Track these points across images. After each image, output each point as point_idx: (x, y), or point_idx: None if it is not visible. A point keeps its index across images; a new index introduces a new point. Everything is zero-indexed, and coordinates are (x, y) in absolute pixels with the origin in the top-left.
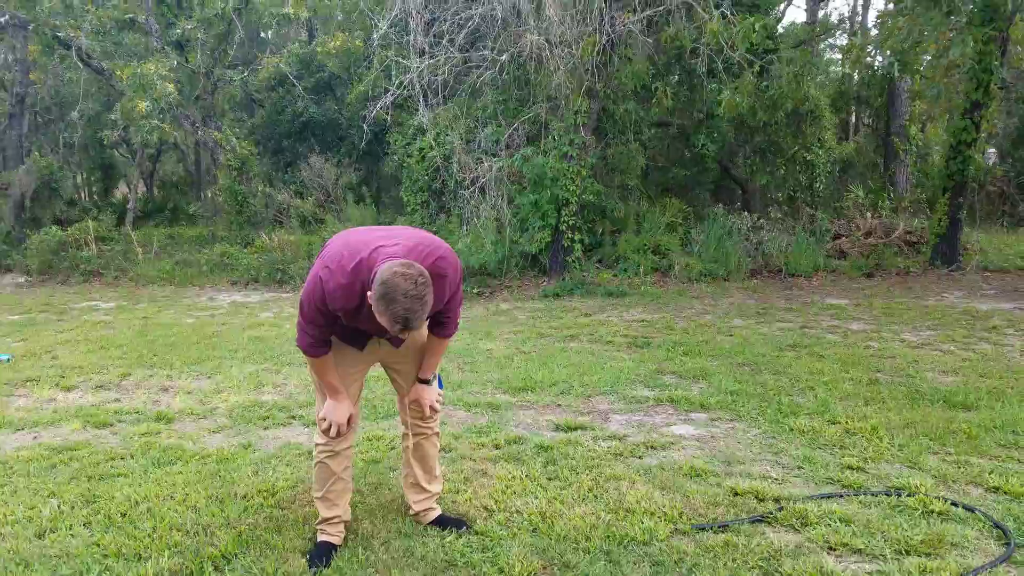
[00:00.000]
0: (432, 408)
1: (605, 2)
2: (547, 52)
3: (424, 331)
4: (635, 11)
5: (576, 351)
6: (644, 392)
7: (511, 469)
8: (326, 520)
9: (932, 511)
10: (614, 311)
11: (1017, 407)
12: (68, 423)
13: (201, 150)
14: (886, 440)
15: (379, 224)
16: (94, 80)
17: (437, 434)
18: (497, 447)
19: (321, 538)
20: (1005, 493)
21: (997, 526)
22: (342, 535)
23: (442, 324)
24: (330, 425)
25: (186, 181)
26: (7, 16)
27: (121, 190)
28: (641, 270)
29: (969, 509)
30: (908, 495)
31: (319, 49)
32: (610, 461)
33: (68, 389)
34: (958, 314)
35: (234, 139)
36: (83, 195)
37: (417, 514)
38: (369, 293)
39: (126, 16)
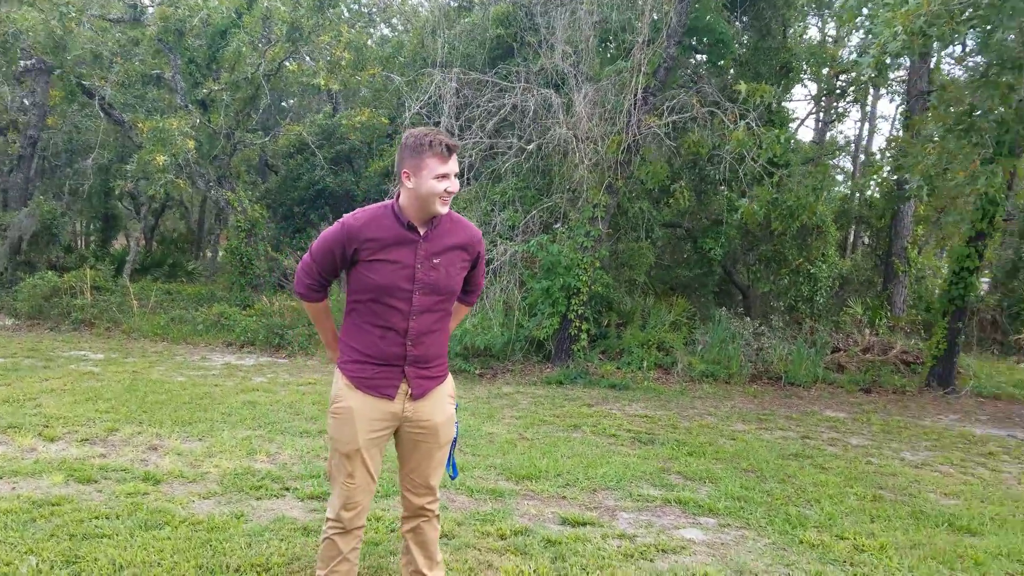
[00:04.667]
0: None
1: (633, 104)
2: (574, 146)
3: (443, 423)
4: (661, 115)
5: (580, 442)
6: (651, 491)
7: (518, 563)
8: None
9: None
10: (617, 404)
11: (1022, 536)
12: (50, 475)
13: (207, 209)
14: (895, 560)
15: None
16: (112, 130)
17: (437, 516)
18: (503, 537)
19: None
20: None
21: None
22: None
23: (470, 292)
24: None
25: (186, 238)
26: (34, 60)
27: (120, 241)
28: (645, 365)
29: None
30: None
31: (344, 122)
32: (621, 562)
33: (51, 439)
34: (954, 437)
35: (246, 201)
36: (80, 243)
37: None
38: (404, 173)
39: (152, 72)
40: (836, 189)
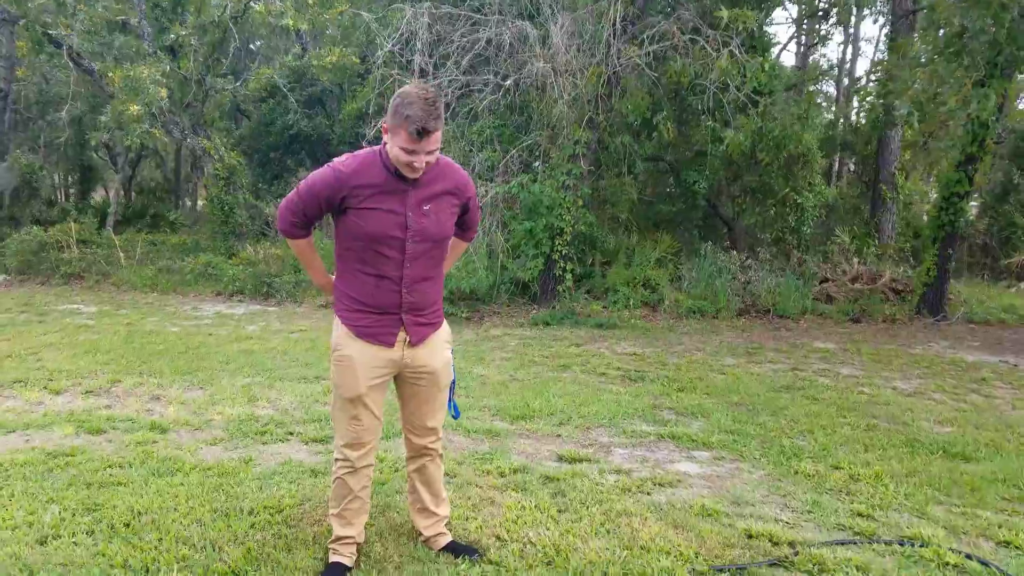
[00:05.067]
0: None
1: (612, 34)
2: (552, 80)
3: (441, 367)
4: (642, 45)
5: (570, 381)
6: (644, 427)
7: (519, 498)
8: (339, 539)
9: (947, 563)
10: (604, 343)
11: (1016, 461)
12: (60, 427)
13: (182, 158)
14: (891, 488)
15: None
16: (83, 81)
17: (441, 456)
18: (502, 475)
19: (333, 558)
20: (1016, 548)
21: None
22: (354, 557)
23: (467, 228)
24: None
25: (164, 188)
26: None
27: (99, 193)
28: (631, 303)
29: (984, 563)
30: (921, 545)
31: (314, 62)
32: (619, 495)
33: (57, 392)
34: (946, 364)
35: (223, 148)
36: (60, 196)
37: (428, 539)
38: (384, 125)
39: (117, 18)
40: (821, 116)
